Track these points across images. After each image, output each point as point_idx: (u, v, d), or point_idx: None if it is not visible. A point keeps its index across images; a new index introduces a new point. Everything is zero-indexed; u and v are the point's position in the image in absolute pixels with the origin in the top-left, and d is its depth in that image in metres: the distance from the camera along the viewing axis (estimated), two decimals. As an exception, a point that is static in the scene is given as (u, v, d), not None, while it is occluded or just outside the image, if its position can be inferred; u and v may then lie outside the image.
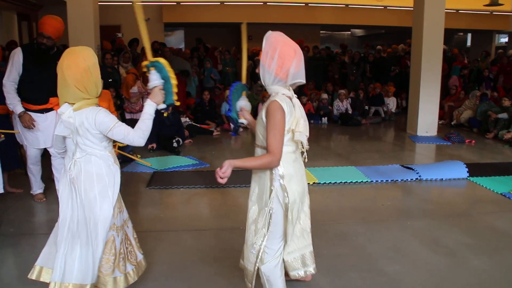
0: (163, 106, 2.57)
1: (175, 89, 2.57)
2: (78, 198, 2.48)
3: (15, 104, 4.22)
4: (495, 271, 3.25)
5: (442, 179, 5.56)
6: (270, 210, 2.37)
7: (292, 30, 11.88)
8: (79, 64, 2.37)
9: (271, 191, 2.37)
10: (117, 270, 2.58)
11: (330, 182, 5.35)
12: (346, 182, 5.39)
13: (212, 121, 9.20)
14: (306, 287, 2.96)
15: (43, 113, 4.36)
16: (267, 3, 13.52)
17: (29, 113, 4.27)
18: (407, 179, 5.50)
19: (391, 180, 5.46)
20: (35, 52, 4.23)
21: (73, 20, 7.71)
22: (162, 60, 2.55)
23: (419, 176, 5.56)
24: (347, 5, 13.85)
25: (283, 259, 2.54)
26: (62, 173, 2.60)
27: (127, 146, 6.51)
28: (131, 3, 11.86)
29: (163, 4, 13.59)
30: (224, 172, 2.20)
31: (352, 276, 3.14)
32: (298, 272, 2.68)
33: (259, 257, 2.43)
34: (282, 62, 2.28)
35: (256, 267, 2.45)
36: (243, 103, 2.85)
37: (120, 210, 2.64)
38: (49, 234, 2.86)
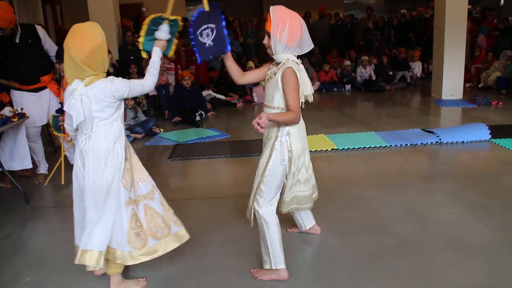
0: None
1: (174, 47, 2.82)
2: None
3: None
4: (508, 230, 3.26)
5: (463, 141, 5.51)
6: (268, 160, 2.65)
7: (314, -3, 11.76)
8: (85, 46, 2.36)
9: (273, 145, 2.64)
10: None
11: (348, 148, 5.39)
12: (365, 147, 5.41)
13: (235, 93, 9.27)
14: (317, 248, 3.06)
15: (36, 91, 4.58)
16: (288, -28, 13.31)
17: (23, 92, 4.51)
18: (427, 143, 5.48)
19: (411, 144, 5.46)
20: (2, 42, 4.35)
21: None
22: (180, 21, 2.80)
23: (439, 139, 5.52)
24: (370, -32, 13.52)
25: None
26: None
27: (149, 120, 6.69)
28: (151, -20, 11.79)
29: (184, -21, 13.58)
30: (263, 122, 2.32)
31: (362, 237, 3.22)
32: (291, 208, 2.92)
33: (256, 200, 2.70)
34: (292, 32, 2.53)
35: (253, 209, 2.72)
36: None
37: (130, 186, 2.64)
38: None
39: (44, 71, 4.61)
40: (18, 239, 3.51)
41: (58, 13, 12.11)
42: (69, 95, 2.50)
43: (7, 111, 4.15)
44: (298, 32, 2.54)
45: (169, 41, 2.79)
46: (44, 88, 4.63)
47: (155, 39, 2.75)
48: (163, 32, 2.74)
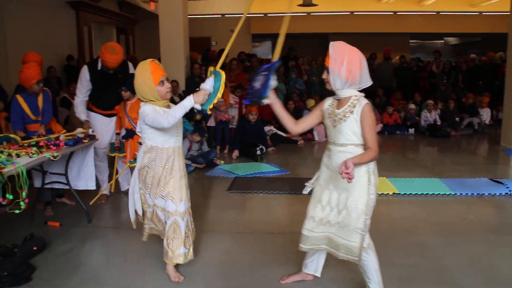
0: (198, 107, 2.88)
1: (215, 101, 2.91)
2: None
3: (80, 113, 4.83)
4: None
5: (535, 195, 5.21)
6: (371, 195, 2.66)
7: (380, 39, 11.79)
8: (136, 80, 3.04)
9: (368, 180, 2.65)
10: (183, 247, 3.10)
11: (410, 193, 5.22)
12: (428, 194, 5.22)
13: (296, 130, 9.28)
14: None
15: (109, 117, 4.96)
16: (354, 13, 13.43)
17: (98, 114, 4.90)
18: (495, 194, 5.21)
19: (477, 194, 5.21)
20: (101, 73, 4.72)
21: (164, 33, 8.24)
22: (223, 74, 2.92)
23: (510, 191, 5.24)
24: (438, 12, 13.35)
25: None
26: None
27: (211, 152, 6.82)
28: (220, 16, 12.46)
29: (251, 16, 13.99)
30: (350, 171, 2.40)
31: (422, 287, 3.07)
32: None
33: (364, 238, 2.66)
34: (350, 67, 2.53)
35: (362, 245, 2.67)
36: (274, 83, 2.84)
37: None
38: (132, 229, 3.35)
39: (120, 101, 4.94)
40: (78, 255, 3.63)
41: (131, 44, 12.80)
42: None
43: (78, 132, 4.37)
44: (357, 67, 2.54)
45: (211, 94, 2.91)
46: (115, 114, 4.98)
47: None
48: (207, 84, 2.89)
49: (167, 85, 3.04)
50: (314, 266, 3.09)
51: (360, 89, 2.63)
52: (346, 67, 2.52)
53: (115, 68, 4.67)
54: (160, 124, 2.93)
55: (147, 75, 2.94)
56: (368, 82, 2.62)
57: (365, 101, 2.58)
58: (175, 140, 3.15)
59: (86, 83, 4.75)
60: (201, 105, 2.87)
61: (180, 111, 2.89)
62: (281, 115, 2.83)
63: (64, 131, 4.43)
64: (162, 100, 3.05)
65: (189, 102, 2.88)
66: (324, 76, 2.65)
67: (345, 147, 2.65)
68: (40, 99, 4.52)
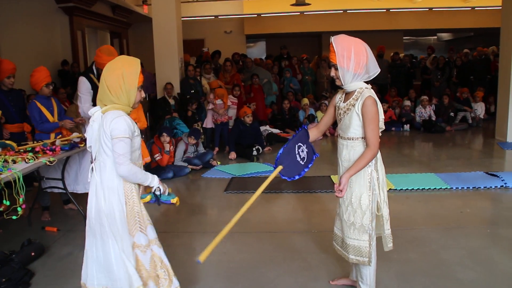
0: (156, 191, 2.59)
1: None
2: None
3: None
4: None
5: (530, 187, 5.24)
6: (374, 191, 2.61)
7: (373, 36, 11.75)
8: (116, 69, 2.38)
9: (370, 175, 2.60)
10: None
11: (407, 189, 5.24)
12: (424, 188, 5.24)
13: (292, 130, 9.31)
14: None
15: None
16: (347, 11, 13.45)
17: None
18: (491, 187, 5.24)
19: (473, 187, 5.23)
20: (97, 78, 4.52)
21: (158, 36, 8.24)
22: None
23: (505, 183, 5.27)
24: (431, 8, 13.39)
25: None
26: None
27: (207, 153, 6.82)
28: (213, 17, 12.41)
29: (244, 17, 14.01)
30: (342, 188, 2.48)
31: (421, 281, 3.09)
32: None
33: (372, 236, 2.65)
34: (358, 59, 2.47)
35: (371, 243, 2.65)
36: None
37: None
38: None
39: None
40: (76, 259, 3.59)
41: (125, 47, 12.79)
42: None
43: (74, 136, 4.38)
44: (364, 58, 2.48)
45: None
46: None
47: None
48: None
49: (142, 94, 2.54)
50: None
51: (370, 80, 2.57)
52: (355, 60, 2.46)
53: None
54: (117, 168, 2.36)
55: (135, 70, 2.40)
56: (376, 70, 2.55)
57: (367, 94, 2.50)
58: None
59: (89, 92, 4.52)
60: (159, 194, 2.60)
61: (141, 176, 2.45)
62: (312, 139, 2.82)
63: (60, 136, 4.44)
64: (130, 107, 2.47)
65: (155, 181, 2.54)
66: (332, 73, 2.57)
67: (348, 141, 2.63)
68: (54, 101, 4.68)
